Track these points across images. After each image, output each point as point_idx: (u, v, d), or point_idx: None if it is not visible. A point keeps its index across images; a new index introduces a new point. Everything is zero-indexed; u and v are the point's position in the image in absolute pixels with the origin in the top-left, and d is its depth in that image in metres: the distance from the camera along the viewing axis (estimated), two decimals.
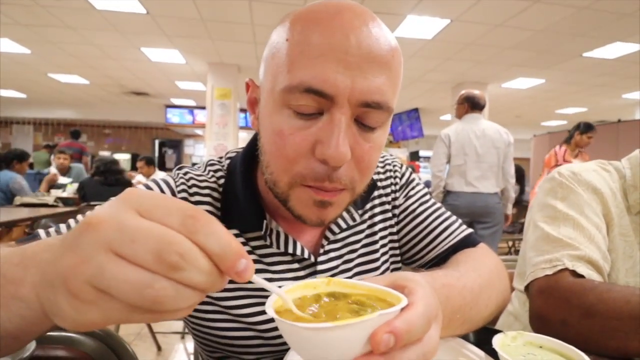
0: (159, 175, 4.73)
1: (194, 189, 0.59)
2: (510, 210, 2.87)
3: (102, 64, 6.13)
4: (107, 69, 6.45)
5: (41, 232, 0.49)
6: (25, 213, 2.89)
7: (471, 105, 2.80)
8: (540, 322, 0.66)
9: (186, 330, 2.45)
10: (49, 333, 0.62)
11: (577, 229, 0.70)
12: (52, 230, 0.50)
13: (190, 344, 2.47)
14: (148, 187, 0.58)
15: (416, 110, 9.00)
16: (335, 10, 0.45)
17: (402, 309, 0.31)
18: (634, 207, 0.76)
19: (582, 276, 0.65)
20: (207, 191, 0.59)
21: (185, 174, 0.60)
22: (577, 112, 9.07)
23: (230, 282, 0.55)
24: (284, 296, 0.32)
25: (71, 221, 0.52)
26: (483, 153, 2.72)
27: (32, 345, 0.51)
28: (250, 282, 0.55)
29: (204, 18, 4.19)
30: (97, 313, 0.25)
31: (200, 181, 0.60)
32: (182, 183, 0.59)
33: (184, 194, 0.58)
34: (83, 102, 9.64)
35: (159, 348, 2.40)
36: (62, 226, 0.51)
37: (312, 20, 0.45)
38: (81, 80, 7.26)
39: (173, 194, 0.58)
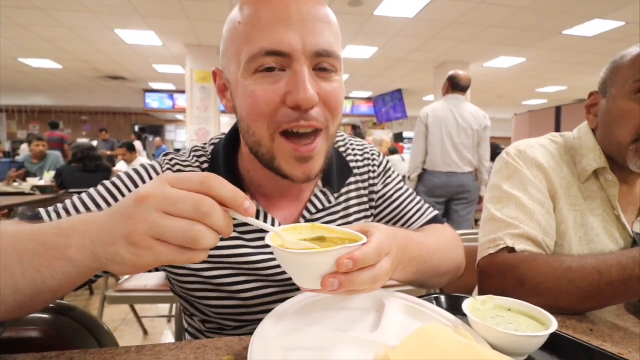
0: (145, 161, 4.55)
1: None
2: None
3: (75, 48, 5.89)
4: (80, 53, 6.21)
5: (42, 210, 0.57)
6: (1, 201, 2.83)
7: (452, 85, 2.83)
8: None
9: (172, 314, 2.47)
10: None
11: (519, 208, 0.75)
12: (51, 209, 0.57)
13: None
14: (137, 173, 0.63)
15: (399, 91, 9.00)
16: None
17: (362, 245, 0.42)
18: (582, 175, 0.78)
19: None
20: None
21: (171, 159, 0.66)
22: (557, 91, 9.22)
23: (211, 255, 0.59)
24: (278, 232, 0.44)
25: (67, 202, 0.58)
26: (460, 134, 2.76)
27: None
28: (231, 257, 0.61)
29: None
30: (151, 256, 0.36)
31: (185, 166, 0.66)
32: (168, 168, 0.65)
33: None
34: (57, 88, 9.29)
35: (145, 332, 2.40)
36: (60, 206, 0.58)
37: (257, 1, 0.53)
38: (54, 65, 6.99)
39: None
